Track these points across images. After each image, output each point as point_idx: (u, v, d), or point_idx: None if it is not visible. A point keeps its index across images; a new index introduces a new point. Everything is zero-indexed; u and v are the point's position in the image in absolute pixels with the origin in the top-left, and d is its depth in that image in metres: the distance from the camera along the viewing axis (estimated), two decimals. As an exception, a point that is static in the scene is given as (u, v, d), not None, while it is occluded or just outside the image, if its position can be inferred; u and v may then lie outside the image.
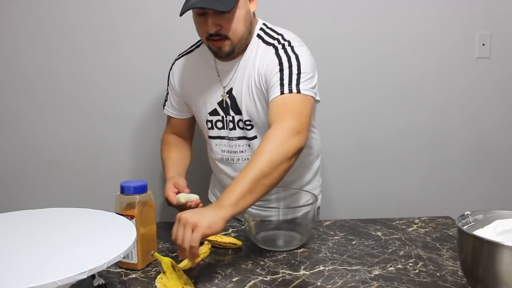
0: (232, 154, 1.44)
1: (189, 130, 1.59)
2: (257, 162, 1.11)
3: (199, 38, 1.55)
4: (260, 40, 1.37)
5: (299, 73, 1.28)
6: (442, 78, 2.01)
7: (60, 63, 1.90)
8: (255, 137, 1.40)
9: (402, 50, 1.98)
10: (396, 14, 1.95)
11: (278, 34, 1.37)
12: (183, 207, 1.25)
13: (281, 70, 1.28)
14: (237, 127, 1.41)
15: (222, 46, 1.30)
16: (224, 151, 1.45)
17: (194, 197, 1.27)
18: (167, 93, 1.57)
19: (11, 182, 1.97)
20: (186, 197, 1.26)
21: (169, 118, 1.58)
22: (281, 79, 1.26)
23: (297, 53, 1.31)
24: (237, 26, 1.28)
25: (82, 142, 1.95)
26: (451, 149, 2.07)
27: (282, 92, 1.24)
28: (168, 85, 1.56)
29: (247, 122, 1.39)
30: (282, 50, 1.32)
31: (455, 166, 2.08)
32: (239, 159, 1.44)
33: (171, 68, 1.54)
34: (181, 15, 1.27)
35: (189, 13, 1.35)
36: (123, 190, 1.10)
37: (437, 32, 1.97)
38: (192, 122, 1.58)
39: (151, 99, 1.92)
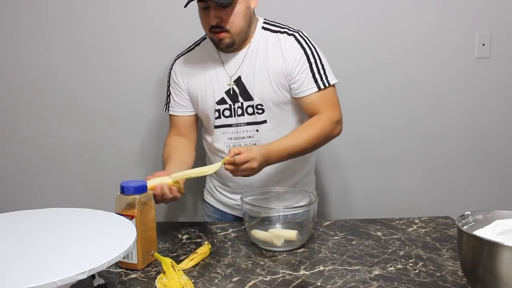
0: (240, 140, 1.49)
1: (193, 127, 1.58)
2: (302, 138, 1.37)
3: (198, 38, 1.56)
4: (267, 31, 1.47)
5: (323, 65, 1.43)
6: (442, 78, 2.01)
7: (60, 63, 1.90)
8: (264, 122, 1.47)
9: (402, 50, 1.97)
10: (396, 14, 1.95)
11: (283, 25, 1.48)
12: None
13: (310, 65, 1.42)
14: (245, 113, 1.47)
15: (223, 38, 1.39)
16: (231, 138, 1.49)
17: (160, 181, 1.20)
18: (168, 94, 1.56)
19: (11, 182, 1.97)
20: (153, 182, 1.20)
21: (173, 118, 1.57)
22: (313, 74, 1.42)
23: (313, 43, 1.45)
24: (236, 19, 1.37)
25: (82, 142, 1.95)
26: (451, 149, 2.07)
27: (319, 88, 1.42)
28: (169, 85, 1.56)
29: (259, 107, 1.45)
30: (301, 39, 1.44)
31: (455, 166, 2.08)
32: (246, 144, 1.49)
33: (171, 68, 1.55)
34: (185, 6, 1.36)
35: (191, 14, 1.37)
36: (123, 190, 1.10)
37: (437, 32, 1.97)
38: (196, 119, 1.58)
39: (151, 99, 1.92)
